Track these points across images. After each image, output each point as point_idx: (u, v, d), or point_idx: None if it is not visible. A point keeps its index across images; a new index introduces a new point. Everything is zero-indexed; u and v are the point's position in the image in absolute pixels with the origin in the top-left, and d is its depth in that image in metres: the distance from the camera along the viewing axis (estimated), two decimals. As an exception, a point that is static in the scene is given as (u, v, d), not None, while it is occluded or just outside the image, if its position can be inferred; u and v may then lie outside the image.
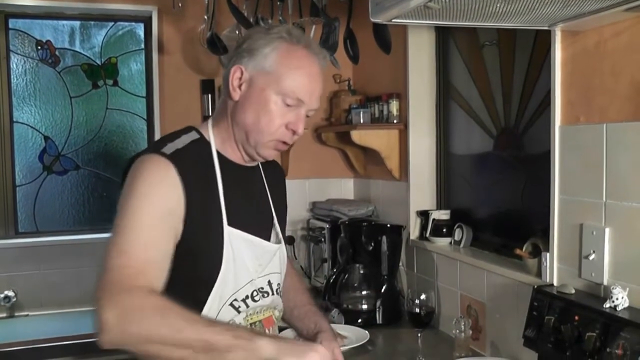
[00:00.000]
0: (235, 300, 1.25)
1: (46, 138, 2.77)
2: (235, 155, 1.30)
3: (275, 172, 1.48)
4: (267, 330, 1.32)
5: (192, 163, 1.21)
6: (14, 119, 2.72)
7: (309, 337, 1.45)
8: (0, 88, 2.67)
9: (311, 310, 1.50)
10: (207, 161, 1.25)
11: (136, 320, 1.01)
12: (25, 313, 2.61)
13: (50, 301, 2.62)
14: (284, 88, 1.21)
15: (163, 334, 1.01)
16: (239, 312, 1.26)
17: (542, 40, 1.78)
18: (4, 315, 2.59)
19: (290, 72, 1.21)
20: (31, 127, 2.75)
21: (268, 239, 1.35)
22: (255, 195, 1.36)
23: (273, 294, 1.34)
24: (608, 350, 1.30)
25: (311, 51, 1.25)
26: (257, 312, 1.30)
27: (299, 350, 1.03)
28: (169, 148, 1.20)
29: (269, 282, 1.33)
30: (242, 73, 1.23)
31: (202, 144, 1.27)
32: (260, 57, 1.21)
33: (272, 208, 1.40)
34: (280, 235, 1.41)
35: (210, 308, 1.22)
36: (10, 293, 2.56)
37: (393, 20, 1.37)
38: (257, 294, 1.30)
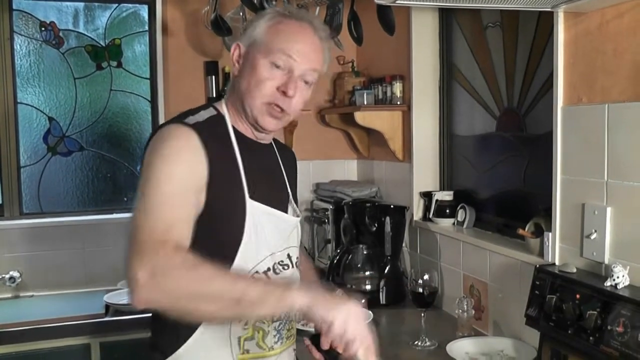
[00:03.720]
0: (257, 272, 1.27)
1: (50, 119, 2.78)
2: (247, 131, 1.34)
3: (289, 156, 1.52)
4: None
5: (213, 136, 1.24)
6: (18, 100, 2.71)
7: None
8: (4, 69, 2.66)
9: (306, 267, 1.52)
10: (225, 135, 1.29)
11: (167, 275, 1.02)
12: (30, 293, 2.63)
13: (54, 282, 2.63)
14: (272, 50, 1.24)
15: (194, 286, 1.02)
16: None
17: (545, 22, 1.78)
18: (9, 295, 2.60)
19: (279, 35, 1.25)
20: (35, 108, 2.76)
21: (286, 212, 1.38)
22: (272, 170, 1.40)
23: (293, 266, 1.37)
24: (609, 327, 1.33)
25: (306, 22, 1.28)
26: None
27: (332, 303, 1.02)
28: (191, 120, 1.24)
29: (288, 255, 1.35)
30: (239, 48, 1.29)
31: (220, 119, 1.31)
32: (251, 30, 1.28)
33: (287, 185, 1.44)
34: (298, 210, 1.44)
35: None
36: (15, 273, 2.57)
37: (397, 2, 1.37)
38: (278, 267, 1.32)
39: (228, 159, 1.25)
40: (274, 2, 1.97)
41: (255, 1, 2.05)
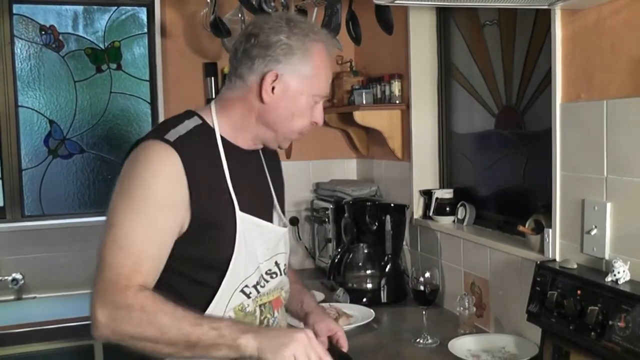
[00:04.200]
0: (246, 286, 1.26)
1: (51, 122, 2.78)
2: (244, 144, 1.31)
3: (274, 158, 1.48)
4: (275, 312, 1.34)
5: (197, 149, 1.21)
6: (19, 104, 2.72)
7: (300, 319, 1.49)
8: (5, 73, 2.67)
9: (295, 289, 1.49)
10: (212, 146, 1.25)
11: (126, 321, 1.07)
12: (33, 295, 2.64)
13: (56, 283, 2.64)
14: (317, 90, 1.26)
15: (152, 332, 1.07)
16: (249, 297, 1.28)
17: (542, 19, 1.78)
18: (12, 297, 2.61)
19: (322, 73, 1.26)
20: (36, 111, 2.76)
21: (271, 221, 1.37)
22: (258, 178, 1.38)
23: (281, 274, 1.36)
24: (610, 323, 1.33)
25: (327, 43, 1.29)
26: (267, 294, 1.32)
27: (278, 344, 1.06)
28: (172, 134, 1.19)
29: (276, 262, 1.34)
30: (277, 77, 1.22)
31: (206, 129, 1.26)
32: (297, 63, 1.22)
33: (272, 190, 1.42)
34: (284, 218, 1.43)
35: (222, 296, 1.23)
36: (18, 276, 2.58)
37: (396, 2, 1.38)
38: (267, 276, 1.31)
39: (214, 173, 1.23)
40: (272, 3, 1.98)
41: (254, 2, 2.06)
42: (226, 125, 1.27)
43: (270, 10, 2.04)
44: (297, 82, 1.23)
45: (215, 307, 1.22)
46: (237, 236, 1.23)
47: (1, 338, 2.19)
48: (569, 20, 1.58)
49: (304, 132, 1.30)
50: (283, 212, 1.45)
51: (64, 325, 2.27)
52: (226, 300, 1.23)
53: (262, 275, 1.30)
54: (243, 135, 1.29)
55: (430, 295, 1.87)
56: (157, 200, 1.15)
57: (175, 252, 1.19)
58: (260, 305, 1.30)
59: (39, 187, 2.78)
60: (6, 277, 2.57)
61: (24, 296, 2.63)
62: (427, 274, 1.86)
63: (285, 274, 1.39)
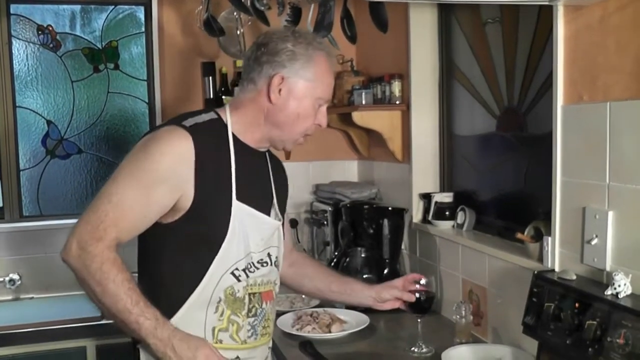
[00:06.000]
0: (237, 269, 1.38)
1: (49, 122, 2.77)
2: (253, 142, 1.44)
3: (279, 165, 1.61)
4: (264, 304, 1.44)
5: (209, 137, 1.35)
6: (17, 104, 2.72)
7: (337, 296, 1.72)
8: (3, 73, 2.67)
9: (337, 280, 1.71)
10: (223, 140, 1.39)
11: (84, 266, 1.23)
12: (30, 296, 2.64)
13: (54, 284, 2.63)
14: (319, 94, 1.39)
15: (95, 289, 1.24)
16: (239, 280, 1.38)
17: (545, 17, 1.71)
18: (9, 297, 2.62)
19: (323, 79, 1.40)
20: (34, 111, 2.76)
21: (269, 215, 1.48)
22: (261, 175, 1.50)
23: (271, 264, 1.46)
24: (609, 339, 1.26)
25: (329, 53, 1.44)
26: (259, 284, 1.43)
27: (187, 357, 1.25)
28: (189, 121, 1.35)
29: (268, 254, 1.46)
30: (282, 80, 1.36)
31: (220, 124, 1.40)
32: (300, 68, 1.36)
33: (273, 189, 1.52)
34: (280, 215, 1.53)
35: (213, 273, 1.35)
36: (15, 276, 2.59)
37: (388, -2, 1.33)
38: (257, 264, 1.42)
39: (221, 162, 1.36)
40: (264, 1, 1.93)
41: (248, 3, 2.01)
42: (238, 123, 1.41)
43: (262, 8, 1.99)
44: (301, 85, 1.37)
45: (206, 286, 1.34)
46: (231, 221, 1.35)
47: (-2, 339, 2.19)
48: (571, 17, 1.51)
49: (309, 133, 1.43)
50: (282, 212, 1.55)
51: (61, 326, 2.27)
52: (216, 280, 1.35)
53: (252, 262, 1.40)
54: (252, 134, 1.42)
55: (425, 303, 1.80)
56: (159, 176, 1.29)
57: (176, 228, 1.32)
58: (250, 294, 1.40)
59: (36, 187, 2.77)
60: (4, 278, 2.57)
61: (21, 296, 2.62)
62: (423, 281, 1.80)
63: (276, 266, 1.49)
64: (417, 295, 1.76)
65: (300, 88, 1.37)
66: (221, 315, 1.37)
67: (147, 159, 1.29)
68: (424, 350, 1.78)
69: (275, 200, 1.51)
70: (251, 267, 1.41)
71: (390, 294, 1.68)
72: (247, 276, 1.39)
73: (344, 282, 1.71)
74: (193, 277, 1.34)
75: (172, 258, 1.35)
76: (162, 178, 1.29)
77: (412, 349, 1.80)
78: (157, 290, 1.33)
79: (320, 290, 1.70)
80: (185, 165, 1.29)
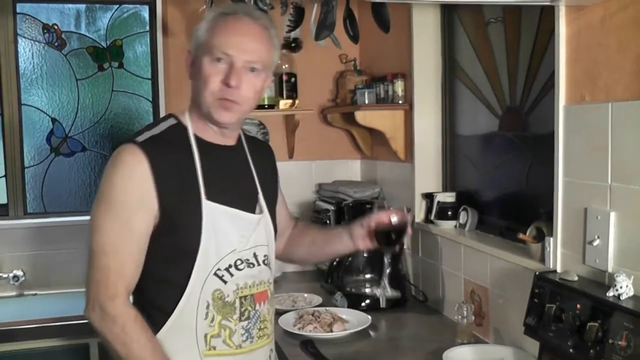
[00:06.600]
0: (219, 269, 1.33)
1: (53, 120, 2.78)
2: (211, 136, 1.38)
3: (263, 152, 1.55)
4: (257, 305, 1.39)
5: (167, 146, 1.32)
6: (22, 102, 2.72)
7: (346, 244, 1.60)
8: (9, 72, 2.68)
9: (324, 233, 1.71)
10: (184, 144, 1.35)
11: (107, 331, 1.25)
12: (34, 292, 2.64)
13: (58, 281, 2.64)
14: (211, 47, 1.30)
15: (120, 351, 1.25)
16: (224, 281, 1.34)
17: (547, 17, 1.70)
18: (13, 294, 2.62)
19: (216, 33, 1.31)
20: (39, 109, 2.76)
21: (253, 211, 1.42)
22: (237, 171, 1.44)
23: (259, 264, 1.41)
24: (610, 341, 1.25)
25: (242, 14, 1.34)
26: (250, 287, 1.38)
27: None
28: (144, 136, 1.32)
29: (254, 254, 1.40)
30: (188, 53, 1.36)
31: (180, 128, 1.37)
32: (195, 34, 1.35)
33: (257, 184, 1.47)
34: (265, 208, 1.46)
35: (197, 278, 1.31)
36: (19, 272, 2.59)
37: (390, -2, 1.32)
38: (242, 264, 1.37)
39: (184, 167, 1.32)
40: (267, 1, 1.93)
41: (251, 3, 2.01)
42: (193, 120, 1.37)
43: (265, 8, 1.99)
44: (198, 51, 1.32)
45: (192, 292, 1.31)
46: (203, 223, 1.31)
47: (1, 334, 2.19)
48: (573, 17, 1.50)
49: (222, 95, 1.30)
50: (272, 203, 1.50)
51: (64, 322, 2.27)
52: (200, 284, 1.32)
53: (236, 260, 1.36)
54: (202, 125, 1.36)
55: (394, 234, 1.50)
56: (128, 201, 1.27)
57: (153, 240, 1.30)
58: (240, 297, 1.36)
59: (41, 184, 2.78)
60: (8, 274, 2.58)
61: (25, 293, 2.63)
62: (394, 219, 1.51)
63: (266, 265, 1.43)
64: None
65: (198, 53, 1.32)
66: (212, 321, 1.33)
67: (111, 190, 1.28)
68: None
69: (260, 194, 1.45)
70: (233, 266, 1.35)
71: (360, 227, 1.55)
72: (232, 275, 1.35)
73: (325, 234, 1.72)
74: (177, 285, 1.31)
75: (155, 269, 1.32)
76: (133, 202, 1.27)
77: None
78: (145, 302, 1.32)
79: (310, 252, 1.70)
80: (146, 183, 1.27)
